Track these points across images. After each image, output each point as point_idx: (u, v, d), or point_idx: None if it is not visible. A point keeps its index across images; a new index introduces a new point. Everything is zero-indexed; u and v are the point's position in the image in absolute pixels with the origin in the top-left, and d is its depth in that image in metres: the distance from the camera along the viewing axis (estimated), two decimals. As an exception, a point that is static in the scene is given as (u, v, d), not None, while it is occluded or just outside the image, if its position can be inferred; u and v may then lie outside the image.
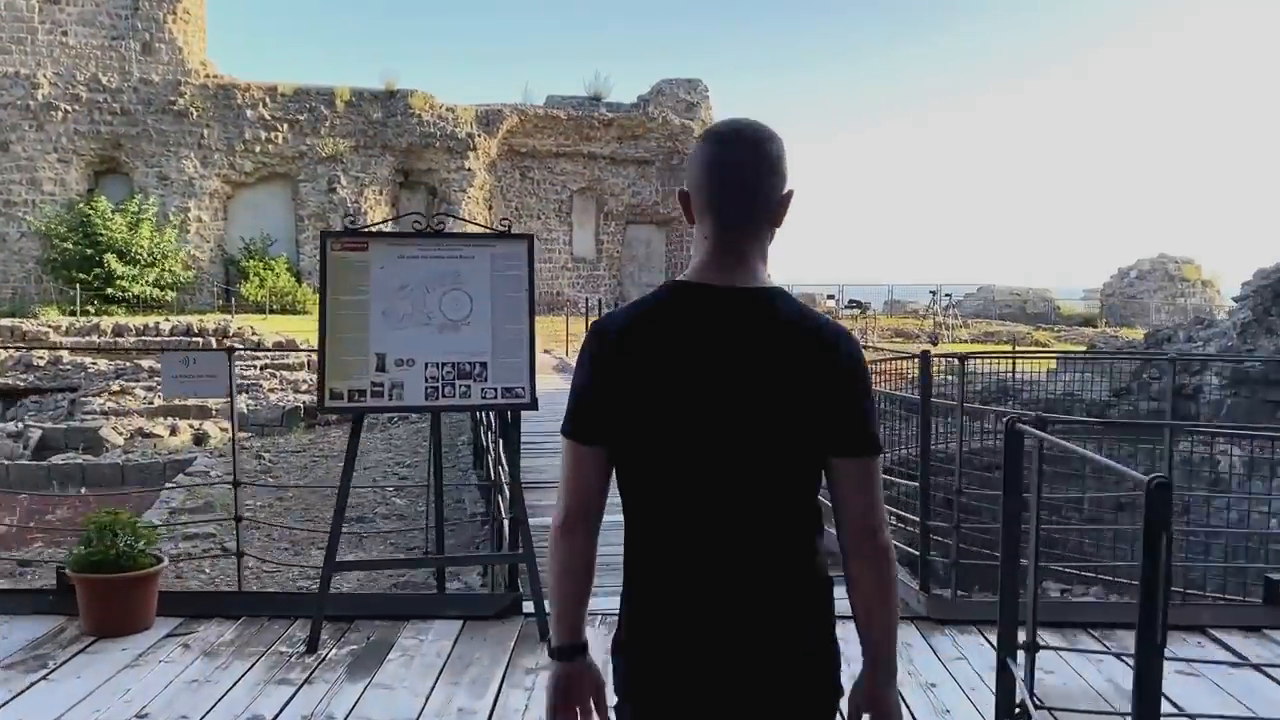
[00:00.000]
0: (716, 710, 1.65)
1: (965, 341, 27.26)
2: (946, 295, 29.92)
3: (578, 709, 1.75)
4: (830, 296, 27.18)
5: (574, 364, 1.78)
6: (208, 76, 31.48)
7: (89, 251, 28.79)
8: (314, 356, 6.47)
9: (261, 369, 16.76)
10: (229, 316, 22.54)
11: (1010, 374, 14.75)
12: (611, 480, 1.73)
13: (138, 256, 29.22)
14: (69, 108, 29.99)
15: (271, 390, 15.90)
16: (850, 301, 26.53)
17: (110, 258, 28.58)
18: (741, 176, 1.68)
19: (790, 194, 1.73)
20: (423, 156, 33.55)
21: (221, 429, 14.20)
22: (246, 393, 15.48)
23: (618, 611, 1.75)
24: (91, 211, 29.19)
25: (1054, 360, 15.88)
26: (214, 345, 17.95)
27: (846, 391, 1.63)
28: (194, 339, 17.79)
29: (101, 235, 28.86)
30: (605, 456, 1.70)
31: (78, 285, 28.52)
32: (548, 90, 38.48)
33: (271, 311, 29.91)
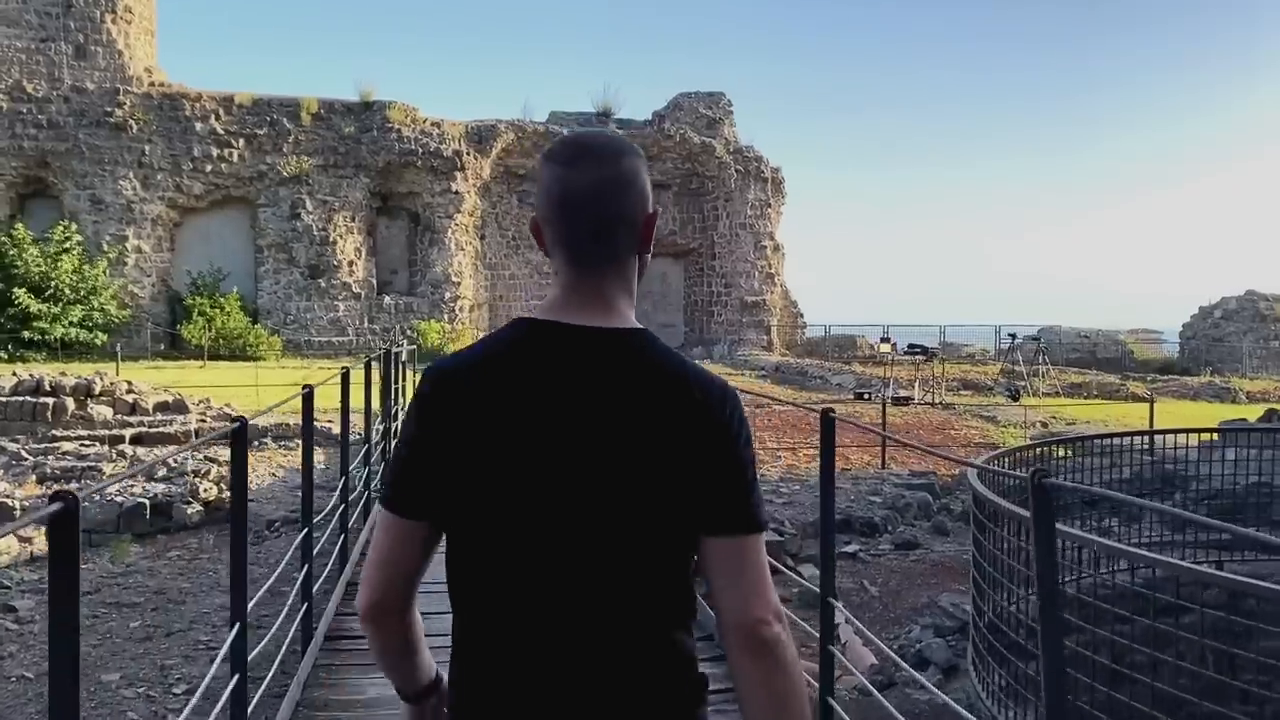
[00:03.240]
0: None
1: (1048, 395, 22.25)
2: (1035, 339, 24.95)
3: None
4: (885, 340, 22.30)
5: None
6: (151, 85, 27.17)
7: (-1, 287, 24.34)
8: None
9: (111, 445, 12.13)
10: (107, 369, 17.91)
11: (1144, 447, 9.97)
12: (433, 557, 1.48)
13: (59, 293, 24.73)
14: (-14, 119, 25.70)
15: (113, 475, 11.10)
16: (911, 346, 21.63)
17: (22, 293, 24.10)
18: (592, 203, 1.44)
19: (655, 214, 1.52)
20: (403, 178, 29.05)
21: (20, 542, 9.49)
22: (67, 481, 10.80)
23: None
24: (5, 240, 24.76)
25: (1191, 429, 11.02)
26: (68, 407, 13.25)
27: (720, 455, 1.40)
28: (41, 399, 13.15)
29: (16, 268, 24.41)
30: (429, 531, 1.45)
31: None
32: (550, 106, 34.03)
33: (218, 357, 25.34)
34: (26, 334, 24.39)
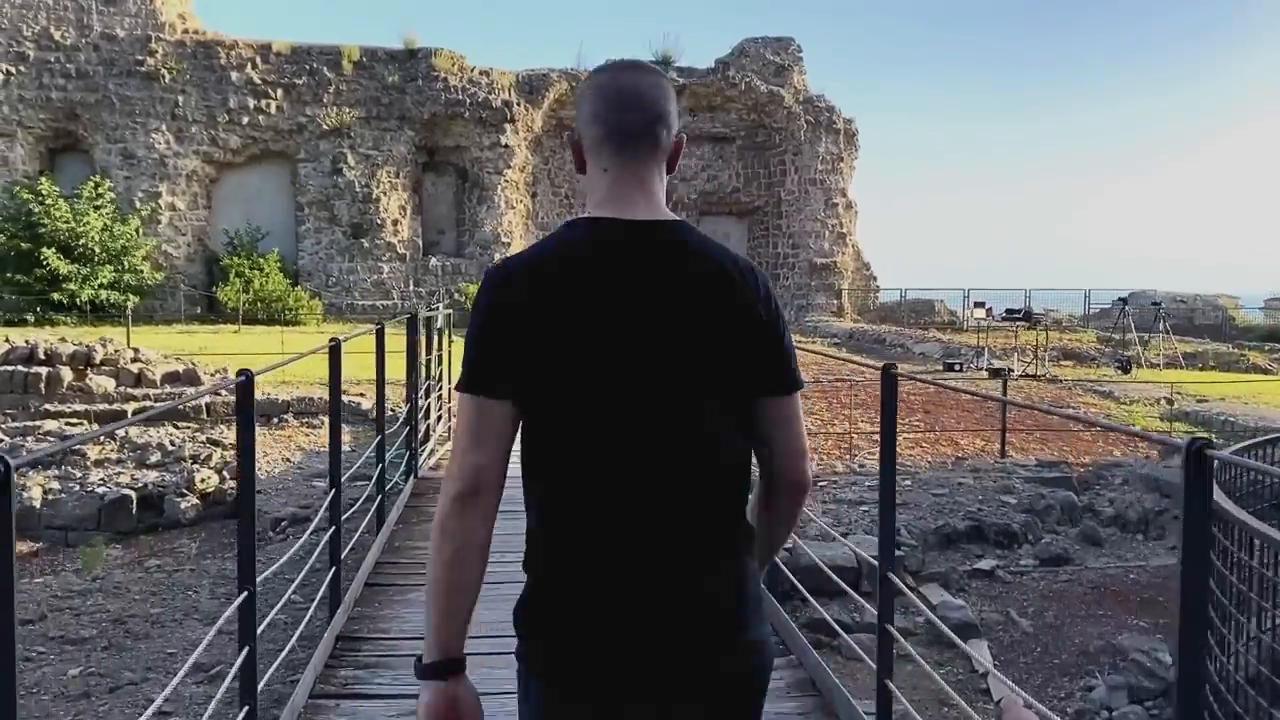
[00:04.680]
0: (643, 685, 1.48)
1: (1161, 367, 19.89)
2: (1156, 304, 22.47)
3: None
4: (980, 304, 20.04)
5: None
6: (185, 32, 25.57)
7: (26, 246, 23.02)
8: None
9: (99, 422, 10.51)
10: (115, 334, 16.36)
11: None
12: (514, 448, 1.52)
13: (87, 253, 23.37)
14: (12, 69, 24.31)
15: (100, 464, 9.49)
16: (1009, 311, 19.34)
17: (51, 254, 22.77)
18: (641, 99, 1.59)
19: (684, 139, 1.67)
20: (449, 130, 27.21)
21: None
22: (47, 469, 9.20)
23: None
24: (31, 196, 23.42)
25: None
26: (64, 378, 11.68)
27: (768, 327, 1.58)
28: (34, 368, 11.60)
29: (43, 225, 23.07)
30: (513, 413, 1.51)
31: (21, 289, 22.86)
32: (606, 54, 31.87)
33: (256, 321, 23.88)
34: (56, 296, 23.12)
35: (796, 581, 5.41)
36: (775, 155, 30.63)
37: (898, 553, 7.79)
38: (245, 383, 3.26)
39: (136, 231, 24.55)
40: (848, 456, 10.89)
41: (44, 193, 23.35)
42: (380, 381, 6.50)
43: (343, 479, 5.33)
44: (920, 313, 30.75)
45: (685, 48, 29.65)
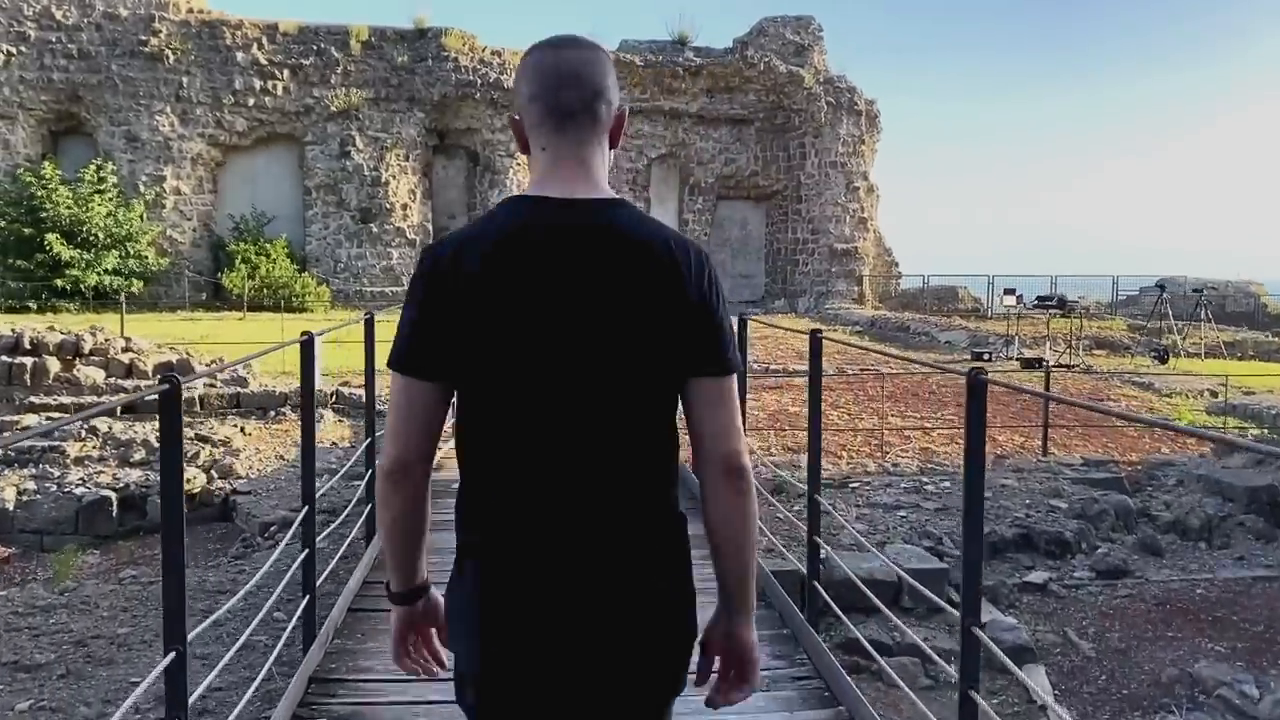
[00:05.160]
0: (565, 658, 1.54)
1: (1196, 356, 19.07)
2: (1198, 290, 21.57)
3: (421, 638, 1.72)
4: (1010, 291, 19.23)
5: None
6: (189, 11, 24.92)
7: (28, 232, 22.49)
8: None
9: (81, 414, 9.95)
10: (107, 321, 15.72)
11: None
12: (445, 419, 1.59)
13: (91, 238, 22.82)
14: (13, 49, 23.73)
15: (80, 461, 8.89)
16: (1041, 299, 18.51)
17: (53, 239, 22.23)
18: (578, 74, 1.59)
19: (625, 112, 1.68)
20: (460, 112, 26.52)
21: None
22: (23, 467, 8.59)
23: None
24: (33, 180, 22.87)
25: None
26: (50, 369, 11.09)
27: (701, 307, 1.58)
28: (19, 358, 11.01)
29: (45, 210, 22.53)
30: (442, 392, 1.56)
31: (24, 276, 22.36)
32: (621, 34, 31.13)
33: (262, 308, 23.29)
34: (59, 282, 22.60)
35: (829, 598, 4.76)
36: (795, 138, 29.82)
37: (940, 564, 7.12)
38: (170, 391, 2.60)
39: (140, 217, 24.00)
40: (879, 454, 10.20)
41: (46, 177, 22.80)
42: (370, 378, 5.85)
43: (327, 481, 4.69)
44: (943, 299, 29.94)
45: (702, 27, 28.72)
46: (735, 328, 1.65)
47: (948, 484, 8.85)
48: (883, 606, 4.66)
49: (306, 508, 4.28)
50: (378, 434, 5.98)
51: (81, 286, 22.65)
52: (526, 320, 1.51)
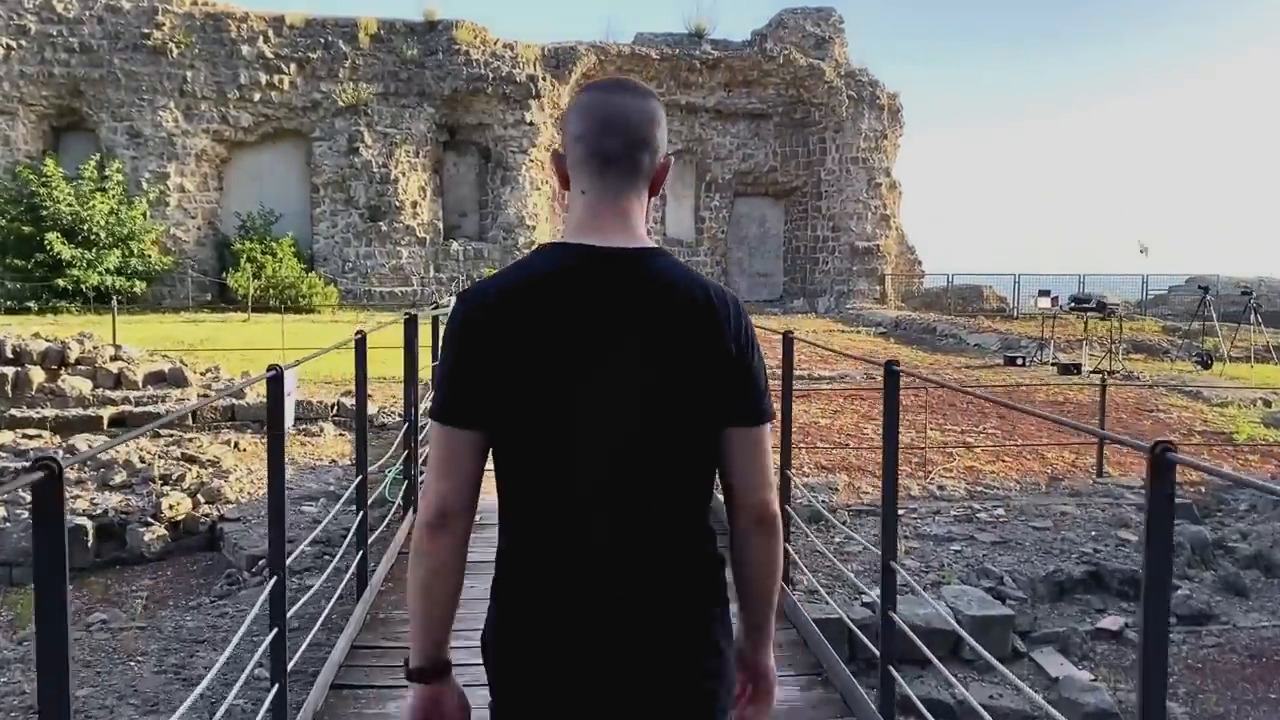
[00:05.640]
0: (601, 707, 1.54)
1: (1253, 363, 18.18)
2: (1246, 291, 20.64)
3: None
4: (1045, 293, 18.36)
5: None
6: (193, 3, 24.25)
7: (28, 230, 21.88)
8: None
9: (60, 433, 9.21)
10: (97, 326, 14.93)
11: None
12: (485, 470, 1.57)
13: (92, 236, 22.19)
14: (13, 43, 23.12)
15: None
16: (1078, 301, 17.62)
17: (54, 238, 21.61)
18: (627, 121, 1.58)
19: (670, 161, 1.66)
20: (471, 107, 25.79)
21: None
22: (-7, 493, 7.93)
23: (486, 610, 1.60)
24: (34, 177, 22.26)
25: None
26: (34, 379, 10.41)
27: (738, 358, 1.58)
28: (1, 368, 10.32)
29: (45, 208, 21.91)
30: (483, 441, 1.55)
31: (23, 275, 21.76)
32: (636, 26, 30.36)
33: (268, 309, 22.62)
34: (60, 282, 21.98)
35: (875, 649, 4.01)
36: (815, 133, 29.00)
37: (1004, 609, 6.36)
38: (45, 482, 1.85)
39: (143, 215, 23.37)
40: (921, 474, 9.42)
41: (47, 174, 22.18)
42: (360, 408, 5.12)
43: (324, 506, 3.98)
44: (968, 299, 29.09)
45: (720, 19, 27.80)
46: (766, 378, 1.63)
47: (1001, 511, 8.08)
48: (935, 659, 3.91)
49: (274, 579, 3.56)
50: (369, 463, 5.25)
51: (83, 287, 22.03)
52: (563, 370, 1.50)
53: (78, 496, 7.96)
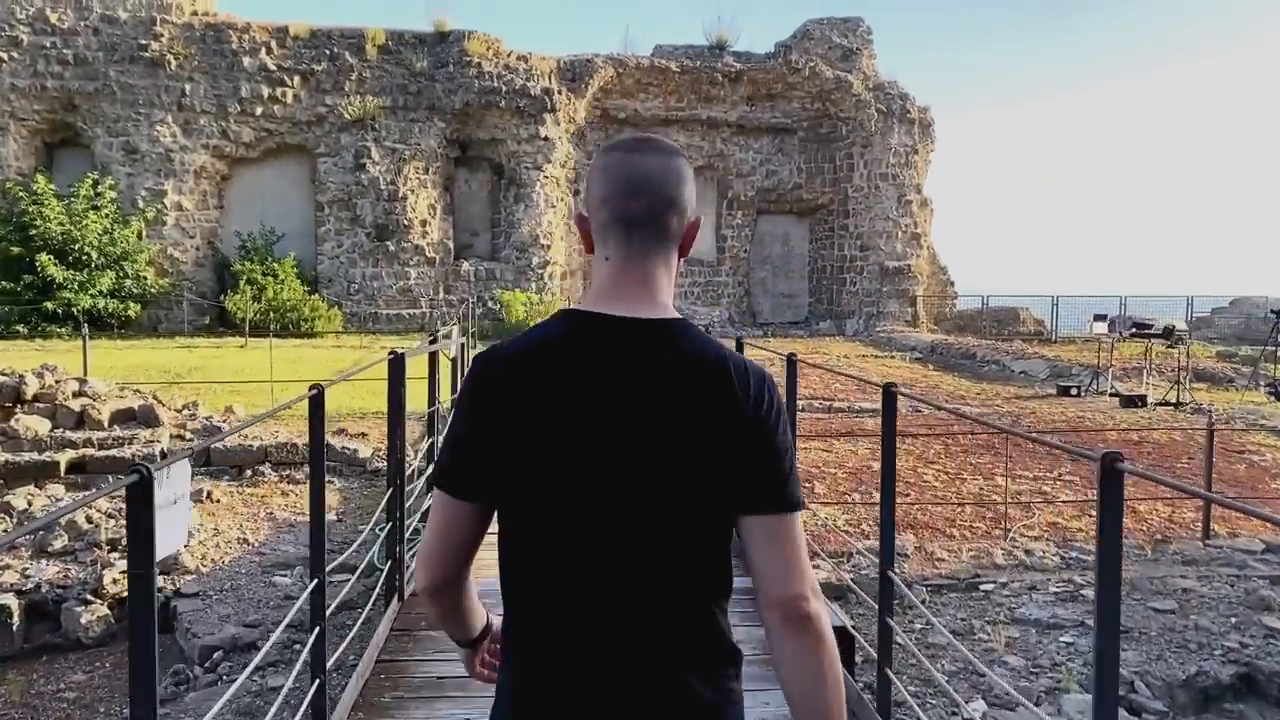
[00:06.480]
0: None
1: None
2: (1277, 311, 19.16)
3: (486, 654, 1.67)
4: (1101, 317, 16.99)
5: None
6: (193, 14, 23.23)
7: (17, 251, 20.79)
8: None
9: (6, 482, 7.99)
10: (62, 360, 13.73)
11: None
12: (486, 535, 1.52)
13: (84, 257, 21.09)
14: (4, 55, 22.11)
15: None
16: (1138, 326, 16.20)
17: (44, 259, 20.51)
18: (649, 182, 1.49)
19: (698, 222, 1.57)
20: (484, 121, 24.65)
21: None
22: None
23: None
24: (24, 195, 21.20)
25: None
26: (-16, 421, 9.19)
27: (758, 438, 1.45)
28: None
29: (35, 227, 20.84)
30: (483, 513, 1.50)
31: (12, 298, 20.66)
32: (655, 38, 29.31)
33: (268, 334, 21.44)
34: (50, 305, 20.87)
35: None
36: (841, 148, 27.75)
37: (1143, 728, 5.02)
38: None
39: (139, 234, 22.27)
40: (999, 532, 8.09)
41: (38, 191, 21.11)
42: (316, 513, 3.82)
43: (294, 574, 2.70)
44: (1003, 322, 27.74)
45: (743, 31, 26.57)
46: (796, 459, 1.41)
47: (1084, 579, 6.74)
48: None
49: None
50: (379, 523, 3.94)
51: (75, 310, 20.90)
52: (572, 444, 1.41)
53: (7, 566, 6.71)
